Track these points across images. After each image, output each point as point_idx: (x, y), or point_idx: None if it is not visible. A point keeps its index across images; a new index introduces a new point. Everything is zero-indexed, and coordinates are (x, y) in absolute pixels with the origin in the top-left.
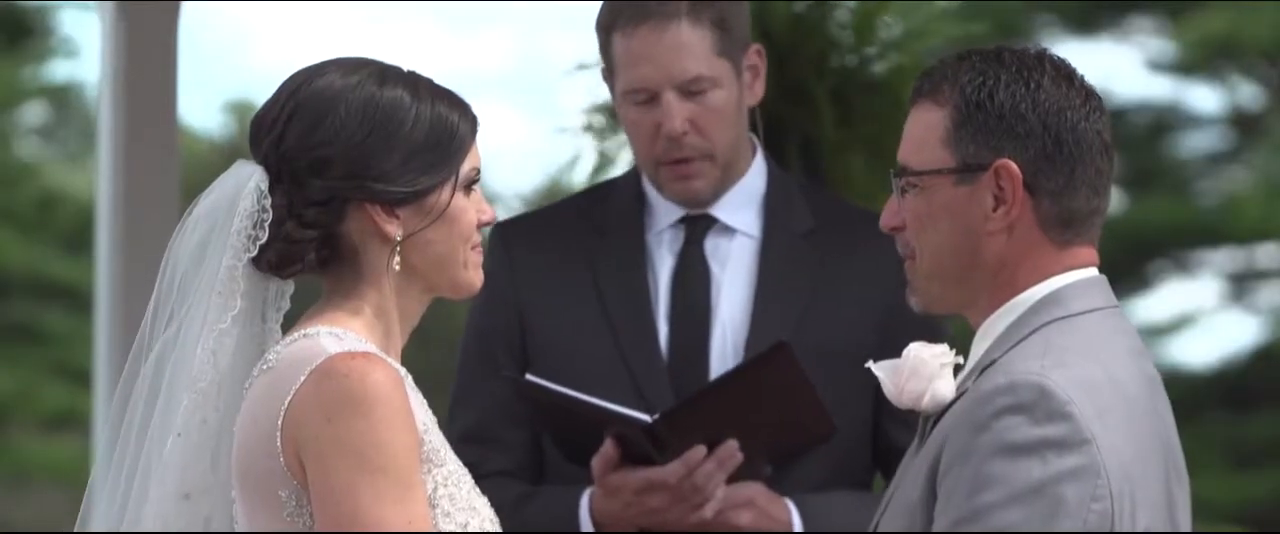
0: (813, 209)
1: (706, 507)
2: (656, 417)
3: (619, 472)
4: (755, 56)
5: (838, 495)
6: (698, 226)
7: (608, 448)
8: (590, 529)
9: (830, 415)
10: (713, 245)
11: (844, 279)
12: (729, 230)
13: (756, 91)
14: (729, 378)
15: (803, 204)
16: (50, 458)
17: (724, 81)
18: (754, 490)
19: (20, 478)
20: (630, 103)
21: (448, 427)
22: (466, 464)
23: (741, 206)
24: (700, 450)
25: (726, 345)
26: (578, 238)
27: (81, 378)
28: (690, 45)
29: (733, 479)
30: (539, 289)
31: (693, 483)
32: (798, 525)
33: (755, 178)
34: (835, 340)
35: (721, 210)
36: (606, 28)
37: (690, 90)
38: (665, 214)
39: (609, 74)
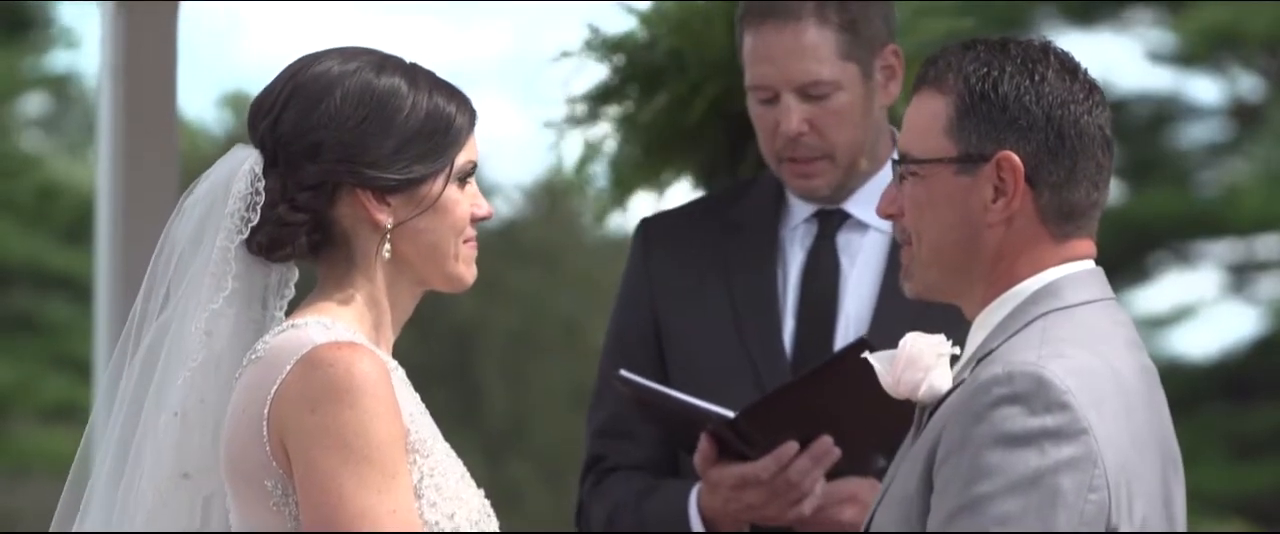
0: None
1: (805, 502)
2: (737, 413)
3: (718, 467)
4: (891, 57)
5: None
6: (830, 221)
7: (704, 444)
8: (699, 524)
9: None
10: (845, 240)
11: None
12: (862, 226)
13: (891, 91)
14: (809, 375)
15: None
16: (49, 448)
17: (848, 84)
18: (857, 486)
19: (20, 468)
20: (754, 98)
21: (588, 421)
22: (599, 457)
23: (874, 202)
24: (791, 446)
25: (850, 339)
26: (714, 234)
27: (81, 369)
28: (813, 47)
29: (843, 474)
30: (673, 285)
31: (787, 479)
32: None
33: (889, 172)
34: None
35: (855, 205)
36: (740, 20)
37: (810, 93)
38: (800, 209)
39: (741, 64)
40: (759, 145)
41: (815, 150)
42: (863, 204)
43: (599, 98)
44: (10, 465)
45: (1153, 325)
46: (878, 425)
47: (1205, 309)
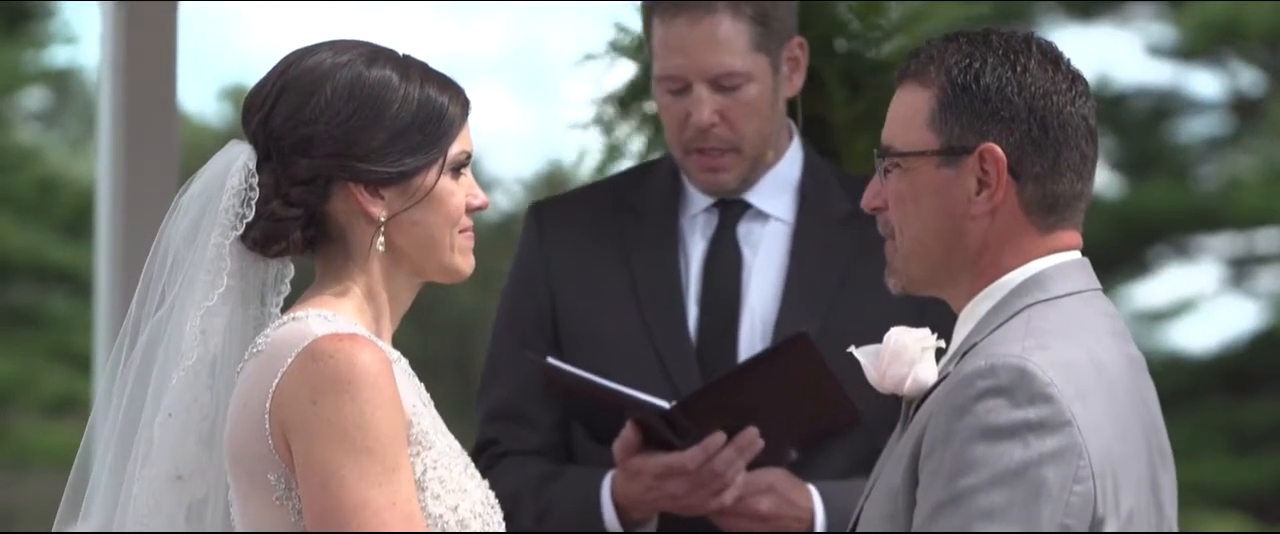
0: (851, 194)
1: (726, 492)
2: (674, 404)
3: (639, 456)
4: (797, 49)
5: (861, 483)
6: (731, 211)
7: (628, 432)
8: (611, 512)
9: (853, 403)
10: (746, 230)
11: (877, 266)
12: (763, 215)
13: (795, 83)
14: (747, 366)
15: (839, 191)
16: (50, 442)
17: (759, 76)
18: (775, 476)
19: (20, 462)
20: (664, 89)
21: (477, 403)
22: (491, 441)
23: (776, 192)
24: (719, 437)
25: (755, 330)
26: (612, 219)
27: (81, 363)
28: (727, 39)
29: (756, 465)
30: (571, 269)
31: (712, 469)
32: (819, 511)
33: (791, 164)
34: (864, 328)
35: (755, 196)
36: (649, 9)
37: (722, 84)
38: (699, 198)
39: (650, 55)
40: (667, 136)
41: (724, 143)
42: (764, 194)
43: (625, 97)
44: (10, 459)
45: (1152, 319)
46: (802, 418)
47: (1205, 303)
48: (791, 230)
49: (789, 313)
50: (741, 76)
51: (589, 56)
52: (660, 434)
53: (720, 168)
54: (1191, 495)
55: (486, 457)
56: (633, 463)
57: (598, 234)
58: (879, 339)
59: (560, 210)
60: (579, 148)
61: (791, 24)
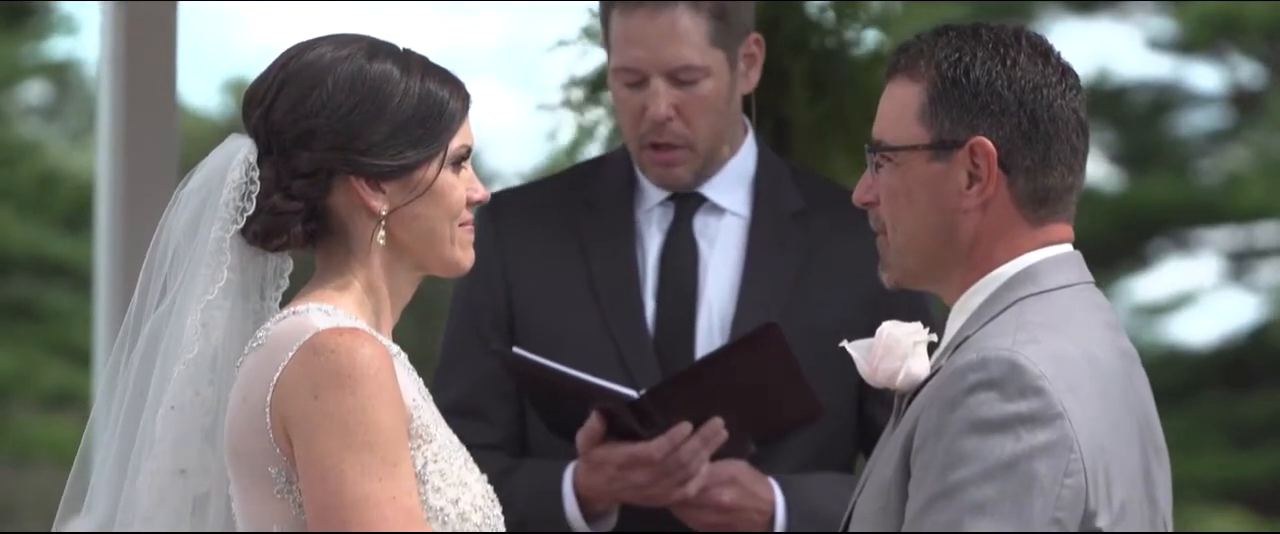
0: (803, 191)
1: (690, 483)
2: (642, 393)
3: (603, 446)
4: (753, 45)
5: (820, 476)
6: (687, 205)
7: (593, 422)
8: (573, 503)
9: (817, 396)
10: (702, 224)
11: (833, 260)
12: (718, 209)
13: (751, 79)
14: (716, 357)
15: (793, 186)
16: (50, 436)
17: (716, 71)
18: (737, 468)
19: (20, 456)
20: (620, 81)
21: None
22: None
23: (731, 187)
24: (685, 427)
25: (712, 323)
26: (568, 212)
27: (81, 357)
28: (685, 33)
29: (716, 457)
30: (527, 262)
31: (677, 459)
32: (780, 504)
33: (746, 159)
34: (822, 321)
35: (711, 190)
36: (608, 5)
37: (680, 78)
38: (655, 191)
39: (606, 48)
40: (622, 129)
41: (679, 138)
42: (719, 189)
43: (596, 82)
44: (10, 453)
45: (1152, 313)
46: (767, 409)
47: (1205, 297)
48: (747, 224)
49: (747, 306)
50: (698, 71)
51: (562, 42)
52: (625, 424)
53: (674, 162)
54: (1190, 490)
55: None
56: (596, 453)
57: (553, 227)
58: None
59: (515, 203)
60: (551, 127)
61: (749, 20)
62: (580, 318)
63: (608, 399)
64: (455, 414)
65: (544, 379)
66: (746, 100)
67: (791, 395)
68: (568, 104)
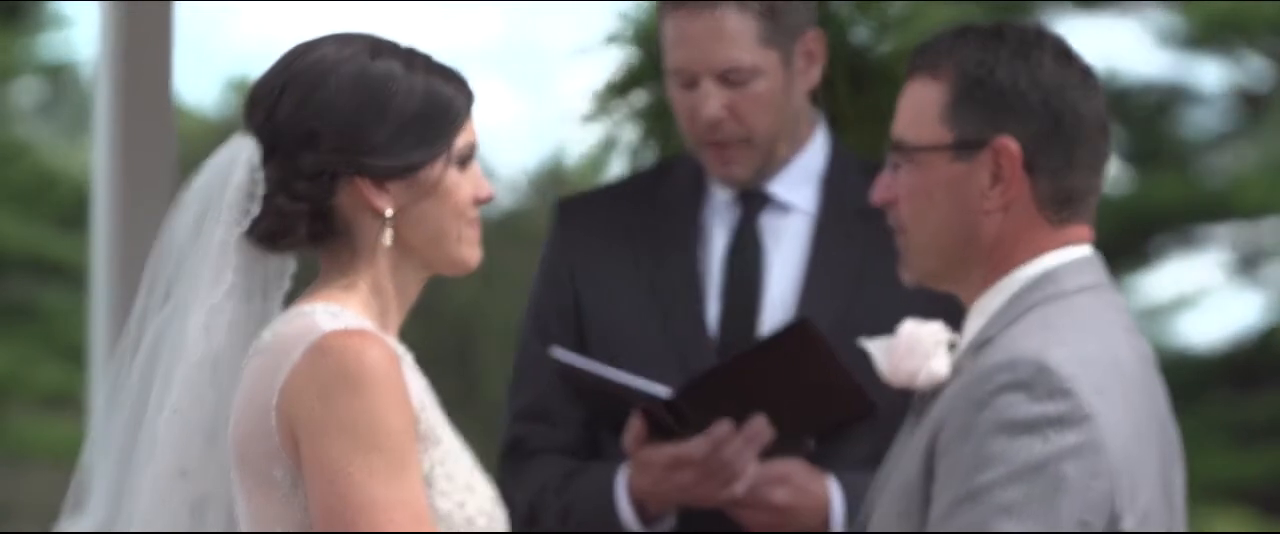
0: (873, 186)
1: (737, 483)
2: (673, 392)
3: (649, 447)
4: (812, 42)
5: None
6: (753, 204)
7: (635, 423)
8: (627, 505)
9: (865, 392)
10: (767, 222)
11: (897, 256)
12: (784, 207)
13: (811, 77)
14: (746, 355)
15: (863, 182)
16: (47, 437)
17: (768, 70)
18: (791, 467)
19: (16, 457)
20: (674, 83)
21: (508, 404)
22: (519, 440)
23: (799, 184)
24: (725, 426)
25: (775, 322)
26: (635, 214)
27: (77, 357)
28: (733, 33)
29: (773, 455)
30: (593, 266)
31: (720, 459)
32: (837, 503)
33: (814, 155)
34: (885, 318)
35: (778, 187)
36: (660, 5)
37: (729, 79)
38: (721, 191)
39: (660, 49)
40: (680, 129)
41: (734, 136)
42: (785, 186)
43: (616, 90)
44: (6, 453)
45: (1156, 312)
46: (811, 407)
47: (1210, 296)
48: (813, 222)
49: (808, 304)
50: (748, 71)
51: (582, 50)
52: (666, 425)
53: (731, 159)
54: (1194, 489)
55: (515, 456)
56: (643, 454)
57: (621, 230)
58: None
59: (584, 207)
60: (573, 139)
61: (807, 18)
62: (642, 320)
63: (640, 399)
64: (527, 418)
65: (582, 380)
66: (815, 99)
67: (838, 392)
68: (592, 113)
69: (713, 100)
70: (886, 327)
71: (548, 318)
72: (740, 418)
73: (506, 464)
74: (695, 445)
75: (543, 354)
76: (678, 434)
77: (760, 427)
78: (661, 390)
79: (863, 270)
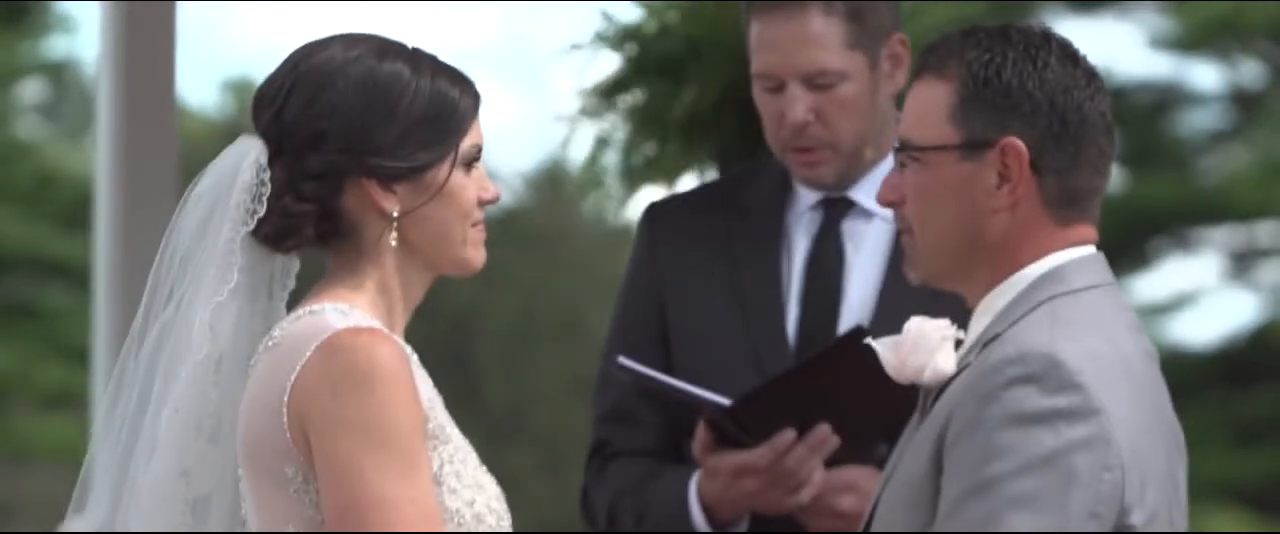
0: None
1: (803, 491)
2: (734, 401)
3: (716, 454)
4: (898, 46)
5: None
6: (836, 209)
7: (701, 431)
8: (698, 510)
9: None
10: (850, 228)
11: None
12: (867, 214)
13: (898, 80)
14: (806, 363)
15: None
16: (49, 436)
17: (854, 74)
18: (857, 473)
19: (19, 456)
20: (760, 87)
21: (594, 406)
22: (603, 442)
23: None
24: (789, 434)
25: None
26: (721, 219)
27: (79, 356)
28: (819, 37)
29: (841, 462)
30: (679, 271)
31: (785, 467)
32: None
33: None
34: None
35: (860, 193)
36: (747, 8)
37: (816, 82)
38: (806, 196)
39: (747, 52)
40: (765, 133)
41: (820, 140)
42: (868, 192)
43: (610, 89)
44: (9, 452)
45: (1153, 312)
46: (878, 413)
47: (1205, 296)
48: (895, 228)
49: (885, 311)
50: (835, 75)
51: (575, 46)
52: (730, 433)
53: (817, 162)
54: (1191, 488)
55: (599, 458)
56: (711, 462)
57: (707, 235)
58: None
59: (671, 212)
60: (567, 135)
61: (892, 21)
62: (724, 325)
63: (703, 407)
64: (610, 420)
65: (651, 388)
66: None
67: (900, 397)
68: (584, 112)
69: (799, 104)
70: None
71: (633, 324)
72: (805, 425)
73: (591, 465)
74: (759, 454)
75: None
76: (743, 443)
77: (824, 435)
78: (721, 399)
79: None
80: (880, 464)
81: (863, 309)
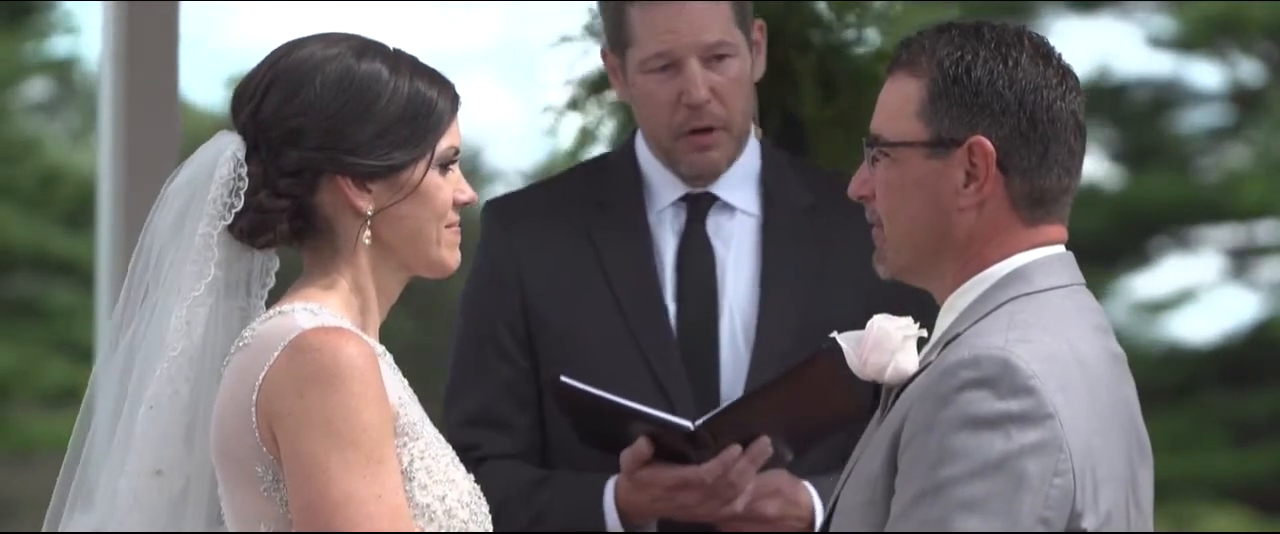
0: (809, 185)
1: (738, 500)
2: (699, 423)
3: (650, 467)
4: (758, 32)
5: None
6: (699, 205)
7: (642, 445)
8: (614, 517)
9: (860, 401)
10: (715, 224)
11: (849, 255)
12: (730, 209)
13: (759, 66)
14: (777, 382)
15: (798, 181)
16: (52, 433)
17: (740, 51)
18: (780, 479)
19: (22, 453)
20: (650, 72)
21: (446, 412)
22: (471, 446)
23: (740, 185)
24: (736, 450)
25: (735, 325)
26: (578, 214)
27: (83, 354)
28: (711, 11)
29: (761, 469)
30: (541, 267)
31: (727, 480)
32: (818, 509)
33: (750, 156)
34: (843, 317)
35: (722, 188)
36: (615, 7)
37: (713, 55)
38: (665, 192)
39: (618, 47)
40: (647, 125)
41: (716, 120)
42: (729, 187)
43: (597, 83)
44: (13, 450)
45: (1153, 310)
46: (808, 424)
47: (1205, 294)
48: (760, 223)
49: (769, 307)
50: (729, 47)
51: (565, 39)
52: (676, 448)
53: (711, 145)
54: (1190, 487)
55: (467, 463)
56: (643, 474)
57: (565, 229)
58: (856, 329)
59: (522, 207)
60: (553, 126)
61: (752, 7)
62: (601, 322)
63: (662, 429)
64: (473, 424)
65: (592, 407)
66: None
67: (841, 406)
68: (571, 104)
69: (699, 79)
70: (846, 325)
71: (493, 322)
72: (747, 439)
73: None
74: (706, 469)
75: (489, 357)
76: (688, 458)
77: (764, 446)
78: (685, 422)
79: (815, 270)
80: (788, 468)
81: (743, 307)
